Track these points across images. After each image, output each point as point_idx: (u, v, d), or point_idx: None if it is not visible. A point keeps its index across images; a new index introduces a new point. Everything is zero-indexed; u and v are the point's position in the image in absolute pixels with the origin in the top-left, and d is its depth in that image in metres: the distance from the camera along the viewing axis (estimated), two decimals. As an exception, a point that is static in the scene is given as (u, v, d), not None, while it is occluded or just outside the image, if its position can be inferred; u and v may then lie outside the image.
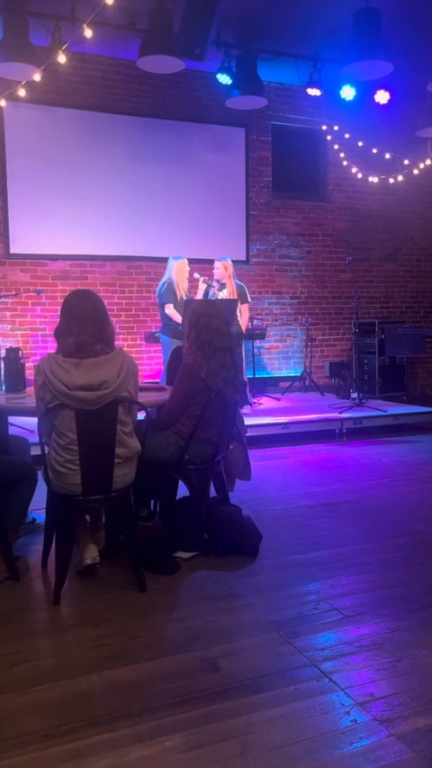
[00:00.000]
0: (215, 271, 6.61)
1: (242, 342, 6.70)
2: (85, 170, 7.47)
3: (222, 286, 6.59)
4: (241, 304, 6.62)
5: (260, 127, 8.36)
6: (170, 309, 6.32)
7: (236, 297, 6.55)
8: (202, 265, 7.54)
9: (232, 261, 6.75)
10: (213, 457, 3.48)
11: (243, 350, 6.79)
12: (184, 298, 6.31)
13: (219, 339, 3.40)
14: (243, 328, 6.71)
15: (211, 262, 6.78)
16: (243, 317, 6.66)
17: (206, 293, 6.58)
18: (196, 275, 6.51)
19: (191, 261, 6.62)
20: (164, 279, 6.44)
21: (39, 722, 2.04)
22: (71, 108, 7.36)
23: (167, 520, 3.58)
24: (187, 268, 6.42)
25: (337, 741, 1.93)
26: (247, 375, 7.01)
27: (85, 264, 7.56)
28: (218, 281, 6.59)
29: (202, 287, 6.47)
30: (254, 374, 7.85)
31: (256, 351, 8.15)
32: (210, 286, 6.50)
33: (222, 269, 6.57)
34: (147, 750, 1.90)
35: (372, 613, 2.73)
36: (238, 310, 6.57)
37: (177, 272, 6.36)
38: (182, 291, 6.35)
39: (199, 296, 6.48)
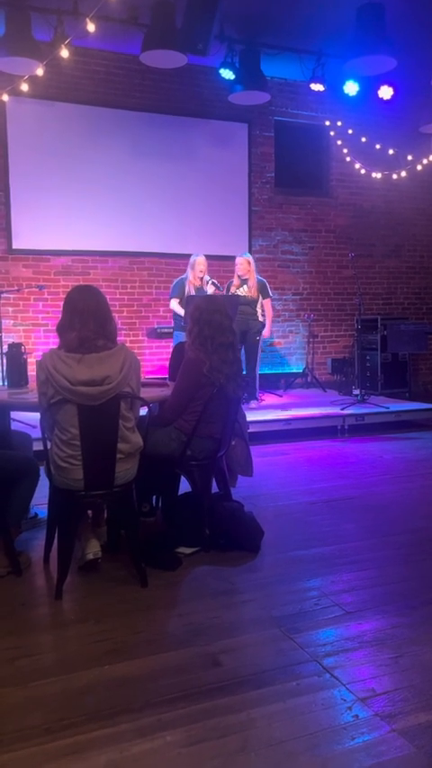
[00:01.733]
0: (237, 267, 6.62)
1: (260, 338, 6.71)
2: (88, 165, 7.46)
3: (244, 282, 6.59)
4: (263, 299, 6.65)
5: (263, 122, 8.34)
6: (174, 303, 6.44)
7: (256, 293, 6.58)
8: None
9: (234, 257, 6.77)
10: (215, 453, 3.48)
11: (259, 346, 6.80)
12: (193, 293, 6.34)
13: (221, 335, 3.39)
14: (269, 324, 6.73)
15: (214, 258, 6.79)
16: (267, 312, 6.70)
17: (228, 289, 6.62)
18: (206, 278, 6.50)
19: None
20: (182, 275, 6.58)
21: (40, 716, 2.04)
22: (73, 103, 7.34)
23: (169, 515, 3.58)
24: (200, 267, 6.44)
25: (338, 736, 1.93)
26: (260, 371, 7.03)
27: (87, 260, 7.56)
28: (239, 276, 6.59)
29: (210, 289, 6.47)
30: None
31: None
32: (218, 288, 6.48)
33: (246, 264, 6.60)
34: (148, 744, 1.90)
35: (373, 609, 2.73)
36: (259, 306, 6.61)
37: (191, 268, 6.45)
38: (191, 287, 6.39)
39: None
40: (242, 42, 7.02)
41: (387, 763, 1.82)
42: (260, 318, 6.67)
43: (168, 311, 7.75)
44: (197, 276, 6.42)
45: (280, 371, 8.58)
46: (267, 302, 6.74)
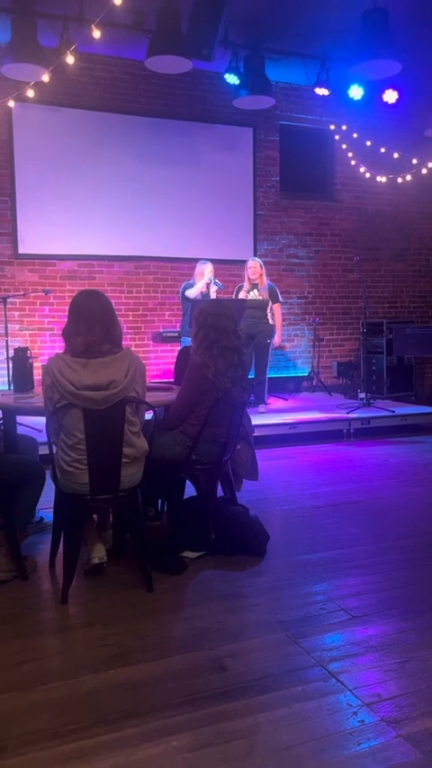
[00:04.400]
0: (250, 270, 6.61)
1: (270, 341, 6.70)
2: (93, 170, 7.49)
3: (254, 286, 6.60)
4: (273, 304, 6.66)
5: (268, 127, 8.35)
6: (189, 291, 6.45)
7: (267, 297, 6.60)
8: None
9: (240, 261, 6.79)
10: (221, 457, 3.48)
11: (270, 350, 6.79)
12: (199, 297, 6.37)
13: (226, 339, 3.40)
14: (279, 330, 6.72)
15: (220, 262, 6.80)
16: (277, 317, 6.71)
17: (237, 293, 6.63)
18: (209, 278, 6.51)
19: (198, 261, 6.66)
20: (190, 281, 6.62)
21: (46, 721, 2.05)
22: (79, 108, 7.38)
23: (174, 519, 3.58)
24: (209, 271, 6.48)
25: (344, 742, 1.93)
26: (269, 374, 7.00)
27: (92, 264, 7.58)
28: (251, 279, 6.60)
29: (212, 289, 6.47)
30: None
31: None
32: (219, 288, 6.48)
33: (259, 268, 6.63)
34: (154, 749, 1.90)
35: (379, 614, 2.73)
36: (269, 310, 6.62)
37: (198, 274, 6.50)
38: (197, 291, 6.42)
39: (212, 297, 6.52)
40: (247, 47, 7.04)
41: (393, 768, 1.82)
42: (270, 322, 6.68)
43: (174, 315, 7.79)
44: (204, 281, 6.45)
45: (285, 375, 8.57)
46: (277, 307, 6.76)
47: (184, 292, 6.55)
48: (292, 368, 8.68)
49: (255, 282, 6.60)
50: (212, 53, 5.92)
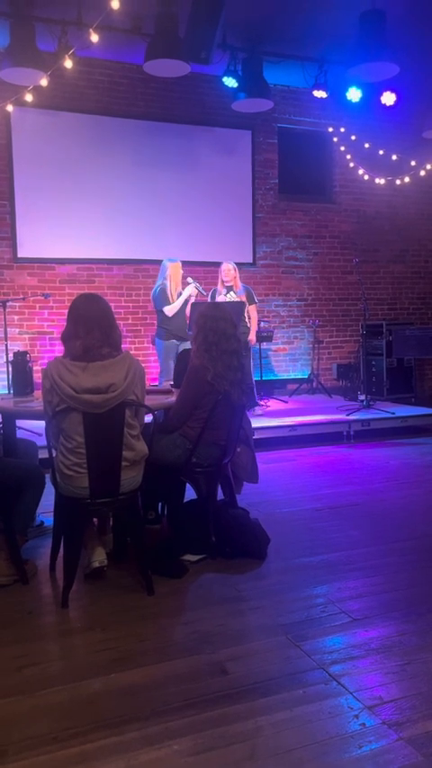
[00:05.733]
0: (224, 273, 6.57)
1: (249, 346, 6.66)
2: (92, 174, 7.50)
3: (229, 289, 6.58)
4: (249, 305, 6.63)
5: (266, 129, 8.37)
6: (168, 308, 6.19)
7: (244, 299, 6.57)
8: (208, 268, 7.55)
9: (239, 263, 6.77)
10: (221, 459, 3.48)
11: (251, 352, 6.77)
12: (175, 302, 6.26)
13: (226, 342, 3.40)
14: (253, 331, 6.70)
15: (218, 264, 6.77)
16: (252, 319, 6.67)
17: (212, 296, 6.56)
18: (189, 279, 6.47)
19: (198, 264, 6.62)
20: (158, 282, 6.32)
21: (47, 725, 2.04)
22: (78, 112, 7.39)
23: (175, 523, 3.58)
24: (181, 271, 6.34)
25: (345, 745, 1.92)
26: (255, 378, 6.95)
27: (92, 268, 7.59)
28: (225, 282, 6.57)
29: (192, 291, 6.40)
30: (261, 376, 7.84)
31: (263, 353, 8.15)
32: (200, 292, 6.42)
33: (233, 271, 6.58)
34: (155, 753, 1.90)
35: (380, 616, 2.72)
36: (246, 313, 6.57)
37: (172, 275, 6.24)
38: (174, 296, 6.23)
39: (187, 298, 6.44)
40: (245, 50, 7.06)
41: (395, 771, 1.82)
42: (248, 325, 6.63)
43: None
44: (178, 281, 6.26)
45: (285, 377, 8.58)
46: (253, 308, 6.68)
47: (160, 305, 6.23)
48: (292, 370, 8.68)
49: (229, 285, 6.57)
50: (210, 56, 5.95)
